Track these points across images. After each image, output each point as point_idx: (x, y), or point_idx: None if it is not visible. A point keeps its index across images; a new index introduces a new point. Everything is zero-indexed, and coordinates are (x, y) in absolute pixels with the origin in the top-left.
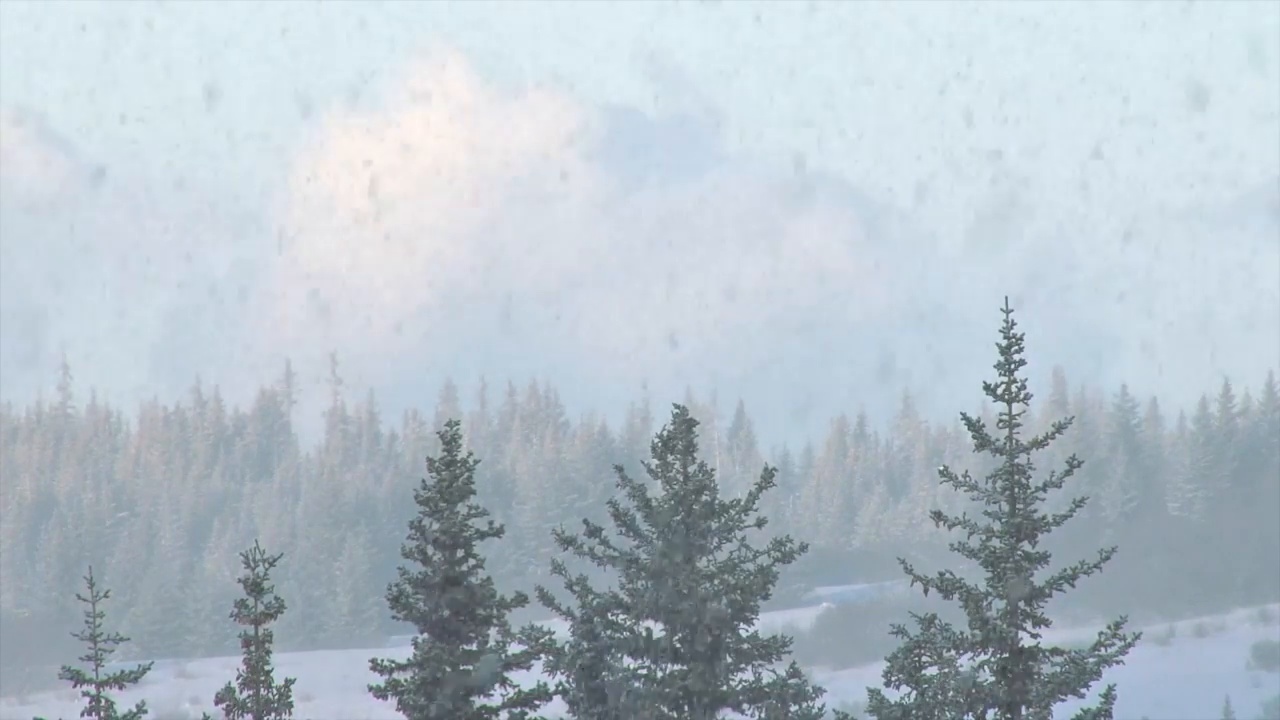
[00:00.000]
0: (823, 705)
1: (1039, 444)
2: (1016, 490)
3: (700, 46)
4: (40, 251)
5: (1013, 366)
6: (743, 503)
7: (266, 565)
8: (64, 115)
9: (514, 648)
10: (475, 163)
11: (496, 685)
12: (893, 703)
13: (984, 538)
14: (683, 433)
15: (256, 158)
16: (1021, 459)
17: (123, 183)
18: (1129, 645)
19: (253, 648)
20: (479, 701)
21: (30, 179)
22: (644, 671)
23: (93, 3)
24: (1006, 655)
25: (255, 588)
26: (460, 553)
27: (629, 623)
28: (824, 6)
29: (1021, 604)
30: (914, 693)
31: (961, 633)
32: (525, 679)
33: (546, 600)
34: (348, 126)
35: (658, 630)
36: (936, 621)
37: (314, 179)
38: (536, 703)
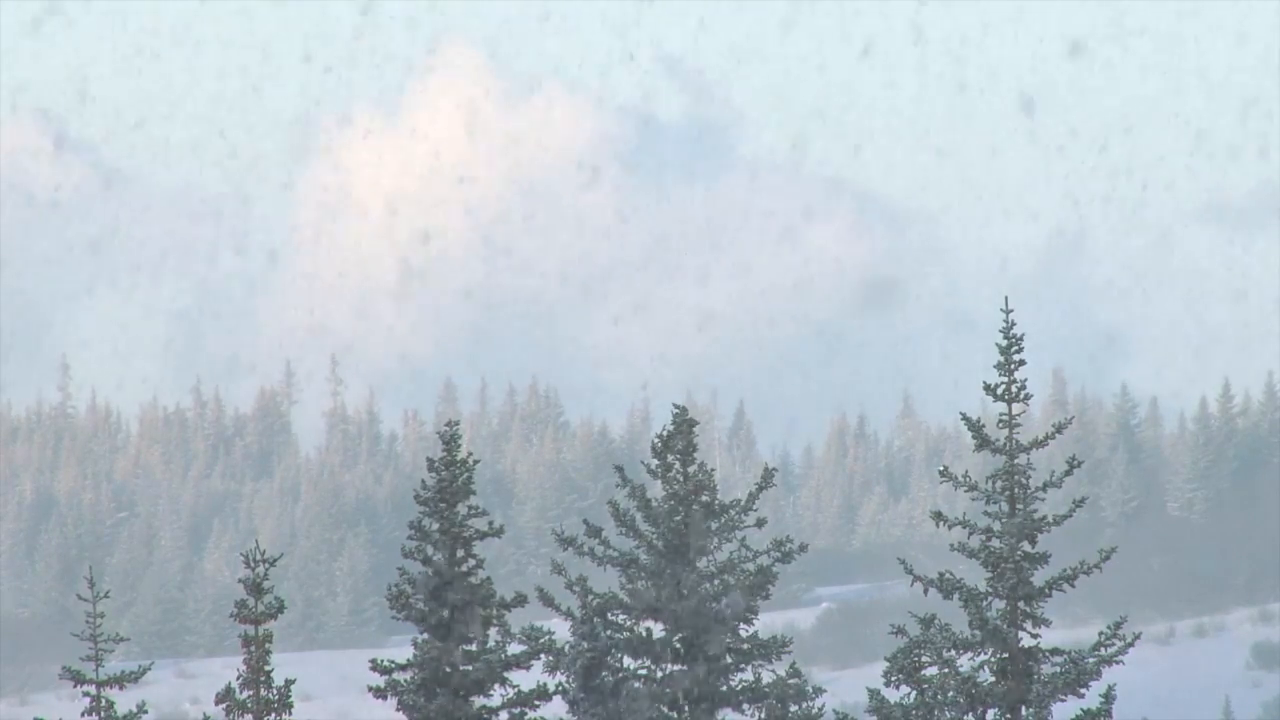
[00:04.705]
0: (823, 705)
1: (1039, 444)
2: (1016, 490)
3: (717, 50)
4: (40, 251)
5: (1013, 367)
6: (743, 503)
7: (266, 565)
8: (71, 116)
9: (514, 648)
10: (481, 164)
11: (496, 685)
12: (893, 703)
13: (984, 538)
14: (683, 433)
15: (261, 158)
16: (1021, 459)
17: (125, 183)
18: (1129, 645)
19: (253, 648)
20: (479, 701)
21: (32, 179)
22: (644, 671)
23: (103, 5)
24: (1006, 655)
25: (255, 588)
26: (460, 553)
27: (629, 623)
28: (844, 10)
29: (1021, 605)
30: (914, 693)
31: (961, 633)
32: (525, 679)
33: (546, 600)
34: (354, 127)
35: (658, 630)
36: (936, 621)
37: (318, 179)
38: (536, 703)
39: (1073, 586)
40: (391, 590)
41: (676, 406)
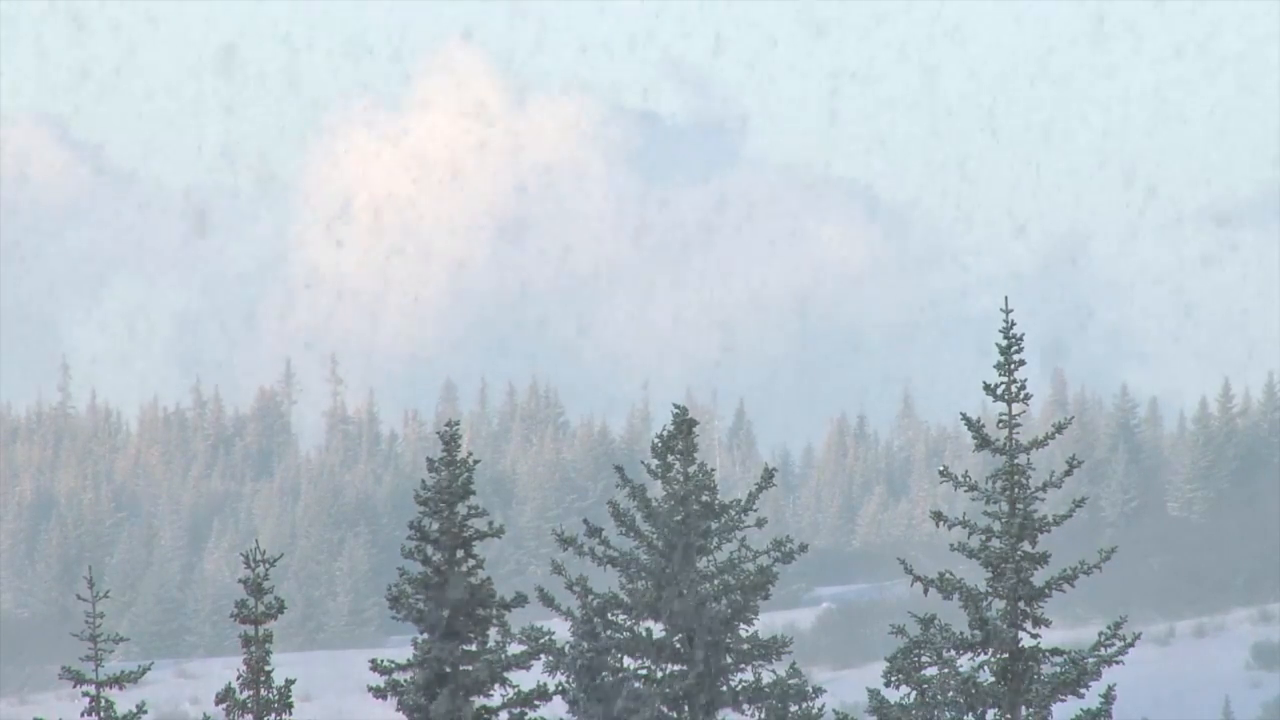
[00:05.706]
0: (823, 705)
1: (1039, 444)
2: (1016, 490)
3: (719, 50)
4: (41, 251)
5: (1013, 367)
6: (743, 503)
7: (266, 565)
8: (71, 116)
9: (514, 648)
10: (484, 164)
11: (496, 685)
12: (893, 703)
13: (984, 538)
14: (683, 433)
15: (261, 157)
16: (1021, 459)
17: (125, 183)
18: (1129, 645)
19: (253, 648)
20: (479, 701)
21: (32, 179)
22: (644, 671)
23: (103, 5)
24: (1006, 655)
25: (255, 588)
26: (460, 553)
27: (629, 623)
28: (845, 10)
29: (1021, 605)
30: (914, 693)
31: (961, 633)
32: (525, 679)
33: (546, 600)
34: (355, 126)
35: (658, 630)
36: (936, 621)
37: (319, 178)
38: (536, 703)
39: (1073, 586)
40: (391, 590)
41: (676, 406)
